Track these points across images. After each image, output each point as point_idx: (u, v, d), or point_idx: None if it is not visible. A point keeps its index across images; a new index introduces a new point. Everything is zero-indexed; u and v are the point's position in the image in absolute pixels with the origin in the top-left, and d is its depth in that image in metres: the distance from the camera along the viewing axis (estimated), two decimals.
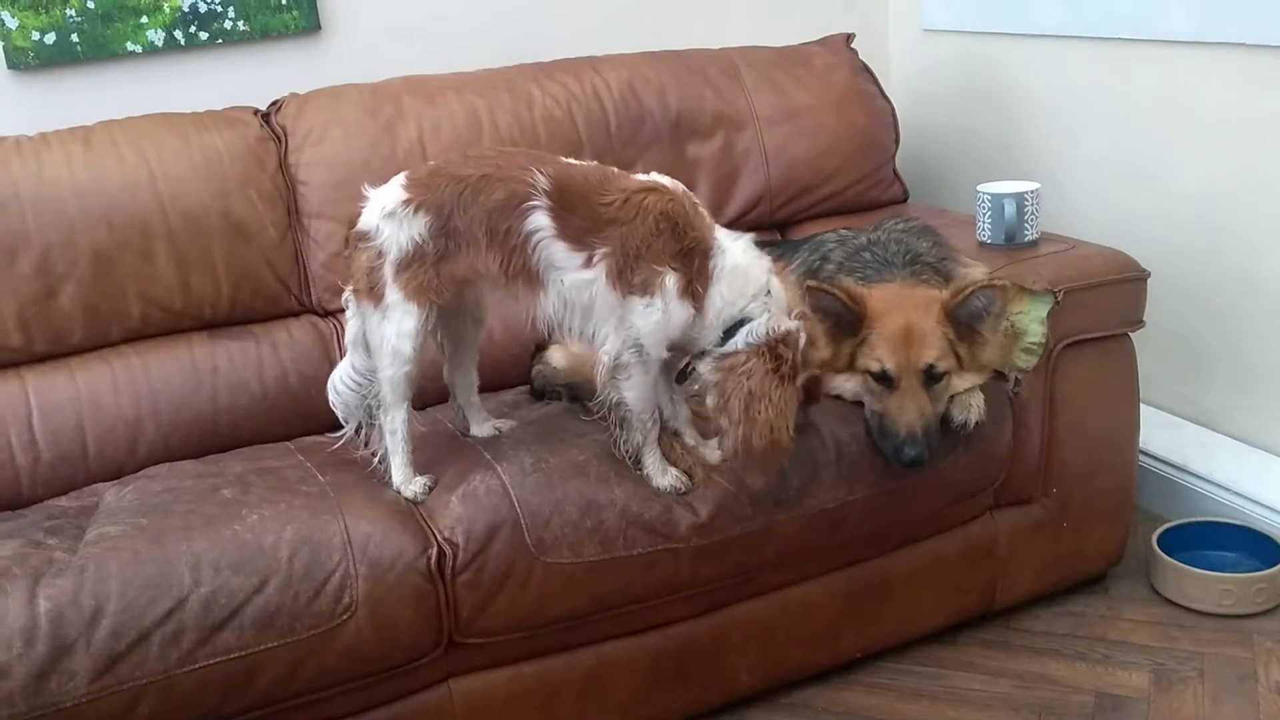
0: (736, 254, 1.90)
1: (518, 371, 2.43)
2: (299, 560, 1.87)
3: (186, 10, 2.69)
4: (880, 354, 2.09)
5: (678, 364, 2.01)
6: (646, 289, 1.86)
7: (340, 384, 2.11)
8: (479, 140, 2.57)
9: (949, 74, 3.26)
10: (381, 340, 1.98)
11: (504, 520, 1.96)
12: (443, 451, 2.14)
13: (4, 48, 2.58)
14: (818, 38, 3.00)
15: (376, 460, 2.09)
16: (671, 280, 1.85)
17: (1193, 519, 2.59)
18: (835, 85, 2.87)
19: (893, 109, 2.95)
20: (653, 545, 2.01)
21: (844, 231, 2.39)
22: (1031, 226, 2.48)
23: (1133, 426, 2.45)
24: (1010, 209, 2.46)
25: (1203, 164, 2.63)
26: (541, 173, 1.89)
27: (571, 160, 1.98)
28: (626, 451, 2.02)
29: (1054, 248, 2.44)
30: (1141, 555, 2.57)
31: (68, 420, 2.29)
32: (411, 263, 1.93)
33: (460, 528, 1.95)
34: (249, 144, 2.47)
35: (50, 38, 2.60)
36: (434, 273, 1.94)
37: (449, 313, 2.06)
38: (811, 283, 2.13)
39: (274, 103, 2.60)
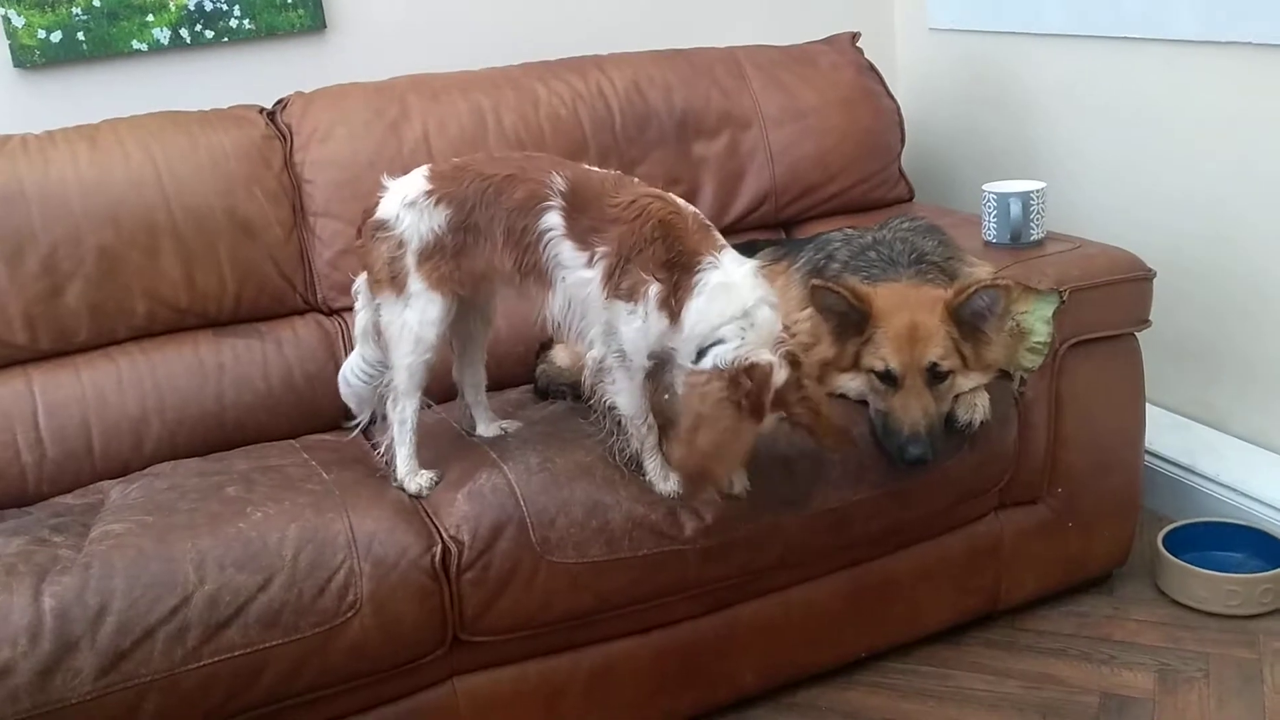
0: (731, 275, 1.84)
1: (522, 370, 2.43)
2: (303, 558, 1.87)
3: (192, 9, 2.70)
4: (885, 353, 2.09)
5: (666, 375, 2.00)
6: (632, 295, 1.86)
7: (351, 376, 2.13)
8: (484, 139, 2.57)
9: (955, 73, 3.26)
10: (403, 327, 1.99)
11: (509, 519, 1.96)
12: (448, 450, 2.14)
13: (10, 46, 2.58)
14: (823, 37, 3.00)
15: (382, 450, 2.09)
16: (654, 290, 1.85)
17: (1198, 519, 2.58)
18: (841, 84, 2.87)
19: (898, 108, 2.94)
20: (658, 546, 2.01)
21: (849, 230, 2.39)
22: (1037, 226, 2.48)
23: (1138, 426, 2.44)
24: (1016, 208, 2.45)
25: (1210, 163, 2.63)
26: (560, 175, 1.91)
27: (594, 168, 2.00)
28: (626, 458, 2.01)
29: (1060, 247, 2.44)
30: (1147, 556, 2.56)
31: (73, 418, 2.30)
32: (433, 254, 1.95)
33: (465, 526, 1.95)
34: (254, 142, 2.48)
35: (56, 36, 2.61)
36: (454, 265, 1.96)
37: (459, 312, 2.07)
38: (817, 281, 2.13)
39: (279, 101, 2.60)
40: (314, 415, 2.38)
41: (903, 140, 2.94)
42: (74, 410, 2.30)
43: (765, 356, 1.81)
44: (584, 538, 1.97)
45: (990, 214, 2.50)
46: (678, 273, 1.84)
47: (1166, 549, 2.48)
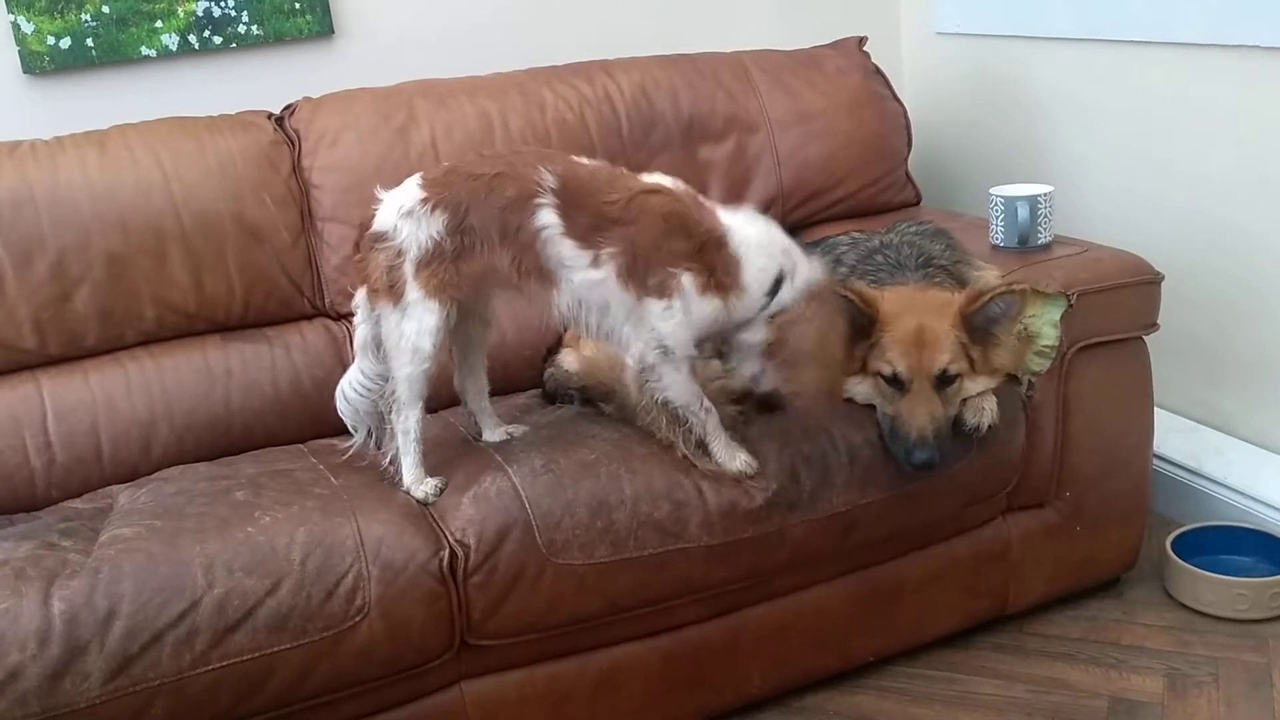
0: (745, 229, 1.93)
1: (530, 375, 2.43)
2: (312, 562, 1.87)
3: (201, 15, 2.71)
4: (892, 357, 2.09)
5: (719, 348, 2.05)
6: (663, 291, 1.88)
7: (350, 390, 2.11)
8: (491, 144, 2.57)
9: (961, 77, 3.26)
10: (400, 338, 1.99)
11: (515, 521, 1.96)
12: (454, 454, 2.15)
13: (20, 52, 2.60)
14: (830, 41, 3.00)
15: (387, 461, 2.09)
16: (688, 280, 1.87)
17: (1207, 523, 2.58)
18: (847, 88, 2.87)
19: (905, 112, 2.94)
20: (663, 545, 2.01)
21: (856, 234, 2.39)
22: (1044, 229, 2.48)
23: (1147, 430, 2.44)
24: (1023, 212, 2.45)
25: (1216, 166, 2.62)
26: (549, 170, 1.91)
27: (582, 159, 2.00)
28: (689, 448, 2.02)
29: (1067, 250, 2.44)
30: (1156, 559, 2.55)
31: (82, 422, 2.30)
32: (432, 260, 1.95)
33: (471, 529, 1.95)
34: (263, 148, 2.48)
35: (65, 42, 2.62)
36: (454, 270, 1.95)
37: (457, 319, 2.07)
38: None
39: (287, 106, 2.61)
40: (322, 420, 2.38)
41: (909, 144, 2.94)
42: (83, 415, 2.31)
43: (816, 265, 1.99)
44: (589, 539, 1.97)
45: (998, 217, 2.50)
46: (712, 251, 1.89)
47: (1175, 553, 2.47)
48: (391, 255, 1.97)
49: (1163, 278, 2.34)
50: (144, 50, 2.68)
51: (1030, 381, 2.26)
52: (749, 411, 2.12)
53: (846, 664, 2.32)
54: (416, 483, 2.04)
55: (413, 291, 1.96)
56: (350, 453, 2.15)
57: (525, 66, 2.77)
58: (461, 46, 2.91)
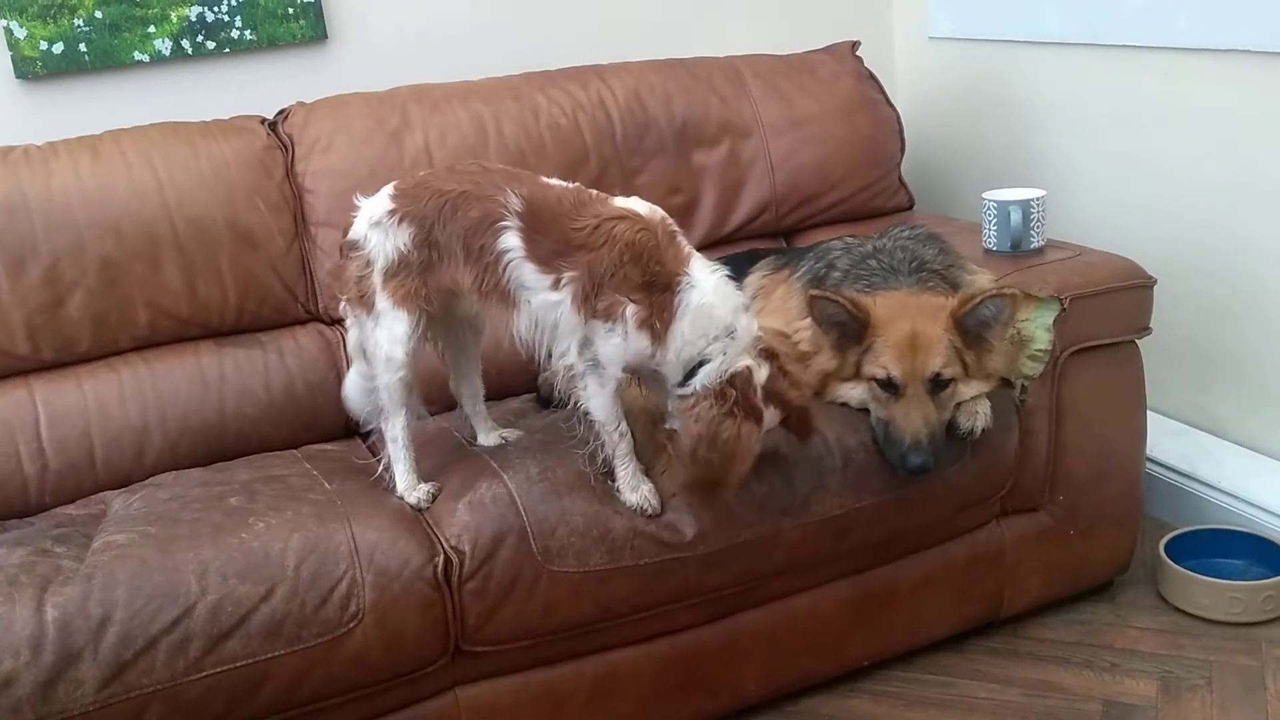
0: (706, 291, 1.86)
1: (525, 379, 2.43)
2: (306, 568, 1.87)
3: (194, 20, 2.70)
4: (885, 361, 2.09)
5: (664, 387, 1.99)
6: (609, 315, 1.86)
7: (353, 391, 2.15)
8: (485, 149, 2.58)
9: (954, 81, 3.26)
10: (376, 346, 2.00)
11: (510, 528, 1.96)
12: (449, 459, 2.15)
13: (12, 57, 2.59)
14: (823, 46, 3.01)
15: (381, 468, 2.09)
16: (631, 311, 1.85)
17: (1200, 526, 2.58)
18: (841, 93, 2.88)
19: (898, 117, 2.95)
20: (660, 554, 2.01)
21: (850, 239, 2.39)
22: (1037, 234, 2.48)
23: (1140, 433, 2.44)
24: (1016, 216, 2.46)
25: (1209, 170, 2.63)
26: (515, 194, 1.90)
27: (551, 181, 1.98)
28: (599, 464, 2.01)
29: (1060, 255, 2.44)
30: (1149, 563, 2.56)
31: (75, 428, 2.30)
32: (398, 271, 1.96)
33: (467, 535, 1.95)
34: (256, 153, 2.48)
35: (58, 47, 2.61)
36: (420, 282, 1.96)
37: (447, 324, 2.07)
38: (815, 292, 2.13)
39: (281, 111, 2.61)
40: (316, 425, 2.38)
41: (903, 149, 2.94)
42: (76, 420, 2.30)
43: (744, 361, 1.87)
44: (585, 546, 1.97)
45: (990, 222, 2.50)
46: (655, 293, 1.85)
47: (1168, 556, 2.48)
48: (362, 265, 1.99)
49: (1155, 282, 2.35)
50: (137, 55, 2.68)
51: (1024, 385, 2.27)
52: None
53: (841, 668, 2.32)
54: (409, 489, 2.04)
55: (382, 300, 1.97)
56: (372, 437, 2.19)
57: (519, 71, 2.78)
58: (455, 51, 2.91)
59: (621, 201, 1.93)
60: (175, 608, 1.80)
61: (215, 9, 2.71)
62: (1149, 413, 2.45)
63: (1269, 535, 2.51)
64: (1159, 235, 2.73)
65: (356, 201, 2.04)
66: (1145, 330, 2.36)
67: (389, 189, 2.01)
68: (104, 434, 2.31)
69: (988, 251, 2.51)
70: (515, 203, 1.89)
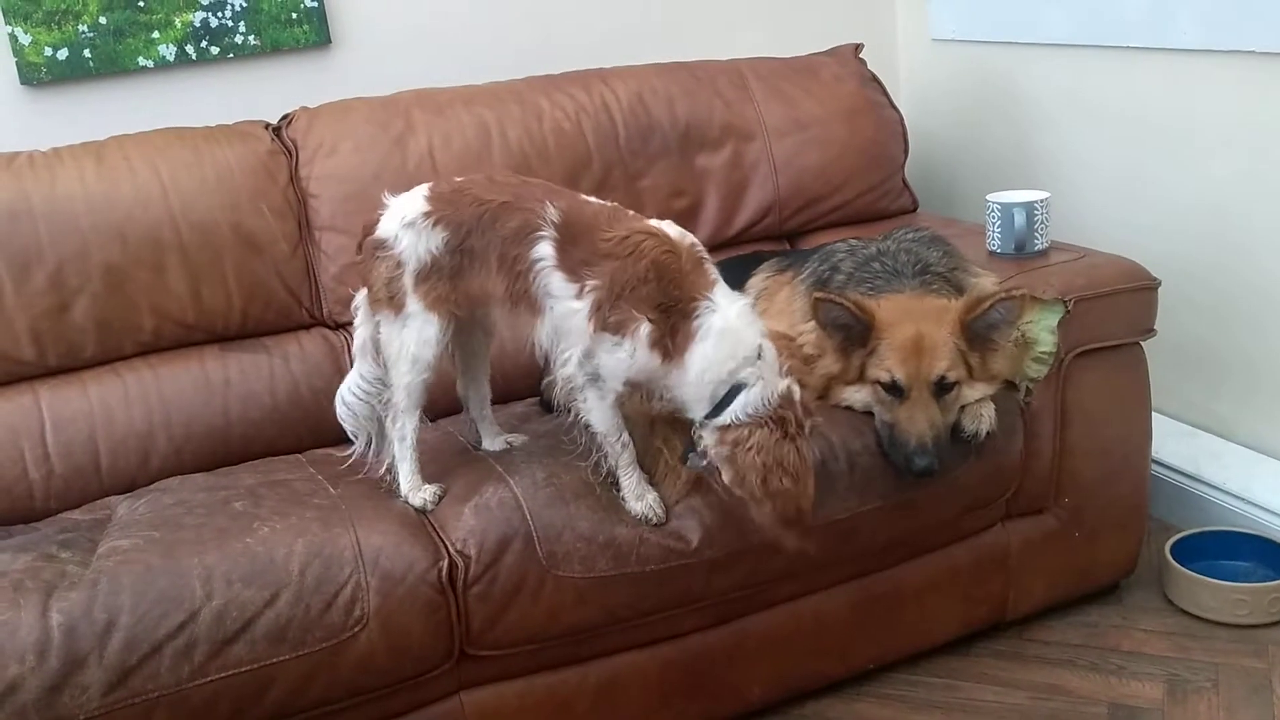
0: (729, 316, 1.85)
1: (528, 384, 2.43)
2: (310, 573, 1.87)
3: (198, 25, 2.71)
4: (890, 364, 2.09)
5: (655, 402, 1.98)
6: (620, 329, 1.86)
7: (349, 395, 2.12)
8: (489, 153, 2.58)
9: (958, 84, 3.26)
10: (401, 347, 2.00)
11: (516, 533, 1.96)
12: (454, 463, 2.15)
13: (17, 63, 2.60)
14: (826, 48, 3.01)
15: (384, 469, 2.09)
16: (645, 329, 1.84)
17: (1206, 528, 2.58)
18: (844, 96, 2.88)
19: (902, 119, 2.95)
20: (665, 560, 2.01)
21: (853, 242, 2.39)
22: (1041, 235, 2.48)
23: (1145, 435, 2.44)
24: (1020, 218, 2.46)
25: (1212, 171, 2.63)
26: (554, 205, 1.91)
27: (590, 198, 1.99)
28: (603, 475, 2.01)
29: (1064, 257, 2.44)
30: (1155, 565, 2.55)
31: (80, 433, 2.30)
32: (430, 275, 1.96)
33: (472, 540, 1.95)
34: (260, 158, 2.49)
35: (63, 53, 2.62)
36: (450, 286, 1.97)
37: (460, 327, 2.07)
38: (819, 294, 2.13)
39: (285, 116, 2.61)
40: (320, 430, 2.38)
41: (906, 151, 2.94)
42: (81, 426, 2.31)
43: (784, 383, 1.86)
44: (590, 552, 1.97)
45: (994, 224, 2.50)
46: (674, 317, 1.84)
47: (1174, 558, 2.47)
48: (392, 266, 1.98)
49: (1160, 283, 2.35)
50: (141, 61, 2.69)
51: (1028, 388, 2.26)
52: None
53: (847, 671, 2.31)
54: (414, 490, 2.04)
55: (413, 303, 1.97)
56: (350, 461, 2.15)
57: (522, 75, 2.78)
58: (459, 55, 2.91)
59: (655, 222, 1.93)
60: (180, 613, 1.80)
61: (219, 14, 2.72)
62: (1154, 415, 2.45)
63: (1275, 537, 2.50)
64: (1163, 237, 2.73)
65: (385, 199, 2.04)
66: (1150, 332, 2.36)
67: (424, 190, 2.01)
68: (109, 439, 2.31)
69: (992, 254, 2.51)
70: (553, 214, 1.90)
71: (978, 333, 2.10)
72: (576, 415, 1.97)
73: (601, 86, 2.74)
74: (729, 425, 1.84)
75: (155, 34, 2.68)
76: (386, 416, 2.07)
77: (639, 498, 2.00)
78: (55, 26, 2.60)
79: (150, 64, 2.70)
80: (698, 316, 1.84)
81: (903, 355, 2.08)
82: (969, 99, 3.23)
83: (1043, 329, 2.23)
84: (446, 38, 2.94)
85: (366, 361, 2.10)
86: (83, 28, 2.62)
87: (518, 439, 2.20)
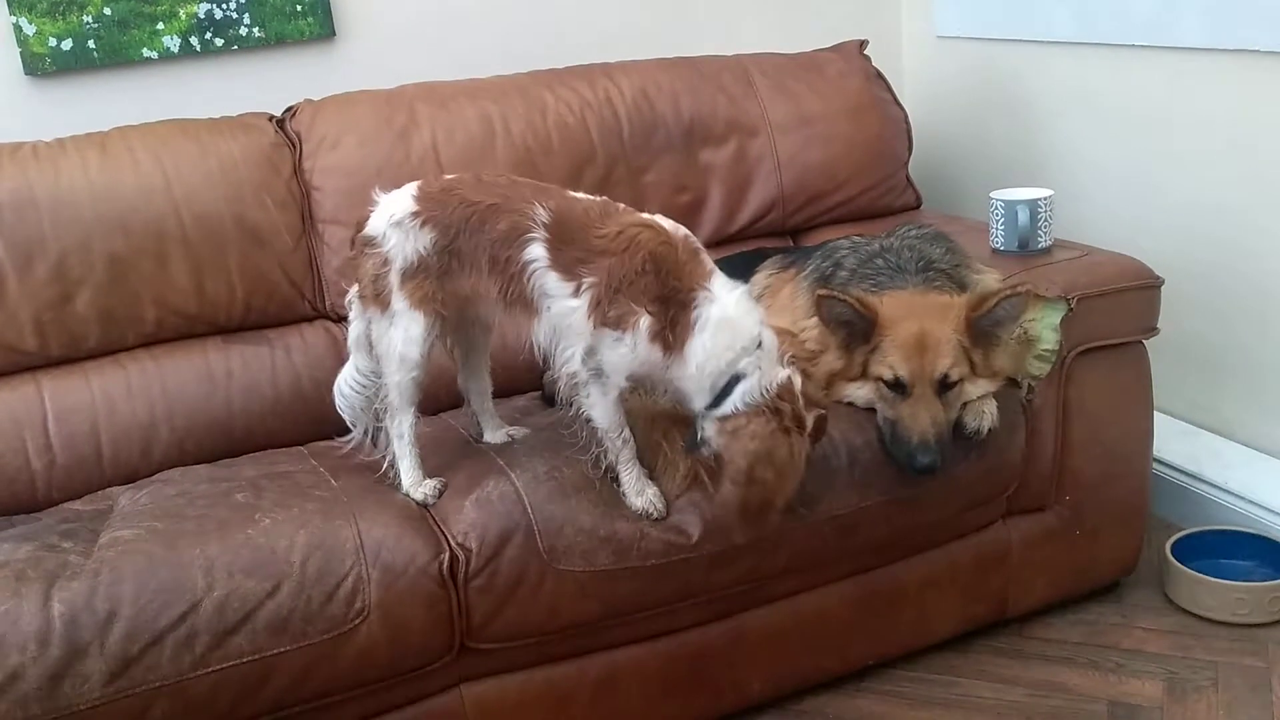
0: (727, 306, 1.85)
1: (530, 377, 2.43)
2: (312, 564, 1.87)
3: (202, 17, 2.71)
4: (893, 361, 2.09)
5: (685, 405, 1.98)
6: (620, 324, 1.86)
7: (345, 387, 2.13)
8: (492, 147, 2.58)
9: (962, 81, 3.26)
10: (389, 346, 2.00)
11: (517, 526, 1.96)
12: (456, 456, 2.15)
13: (21, 54, 2.60)
14: (831, 44, 3.00)
15: (385, 465, 2.09)
16: (645, 322, 1.84)
17: (1207, 527, 2.58)
18: (848, 92, 2.87)
19: (906, 116, 2.94)
20: (667, 555, 2.01)
21: (857, 238, 2.39)
22: (1045, 233, 2.48)
23: (1147, 434, 2.44)
24: (1024, 216, 2.45)
25: (1216, 170, 2.63)
26: (543, 206, 1.90)
27: (579, 195, 1.99)
28: (604, 469, 2.01)
29: (1068, 254, 2.44)
30: (1155, 563, 2.55)
31: (83, 424, 2.30)
32: (416, 273, 1.96)
33: (474, 533, 1.95)
34: (264, 150, 2.49)
35: (67, 44, 2.62)
36: (437, 286, 1.96)
37: (459, 321, 2.07)
38: (822, 291, 2.13)
39: (289, 109, 2.61)
40: (322, 421, 2.38)
41: (910, 148, 2.94)
42: (83, 416, 2.31)
43: (784, 373, 1.86)
44: (592, 546, 1.97)
45: (998, 221, 2.50)
46: (673, 308, 1.84)
47: (1175, 557, 2.47)
48: (379, 263, 1.98)
49: (1163, 282, 2.35)
50: (145, 52, 2.69)
51: (1030, 385, 2.26)
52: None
53: (846, 667, 2.32)
54: (415, 485, 2.05)
55: (399, 301, 1.97)
56: (348, 448, 2.15)
57: (527, 69, 2.78)
58: (463, 49, 2.91)
59: (647, 216, 1.93)
60: (182, 603, 1.80)
61: (224, 6, 2.72)
62: (1156, 413, 2.45)
63: (1276, 536, 2.50)
64: (1167, 235, 2.72)
65: (375, 196, 2.03)
66: (1153, 330, 2.36)
67: (412, 189, 2.01)
68: (111, 430, 2.31)
69: (995, 251, 2.51)
70: (542, 215, 1.90)
71: (982, 330, 2.10)
72: (578, 410, 1.97)
73: (606, 81, 2.74)
74: (729, 416, 1.84)
75: (160, 25, 2.68)
76: (384, 412, 2.08)
77: (639, 493, 2.00)
78: (60, 17, 2.60)
79: (155, 55, 2.70)
80: (696, 307, 1.84)
81: (906, 352, 2.08)
82: (973, 96, 3.23)
83: (1045, 327, 2.23)
84: (451, 31, 2.94)
85: (362, 355, 2.10)
86: (87, 18, 2.62)
87: (519, 432, 2.20)
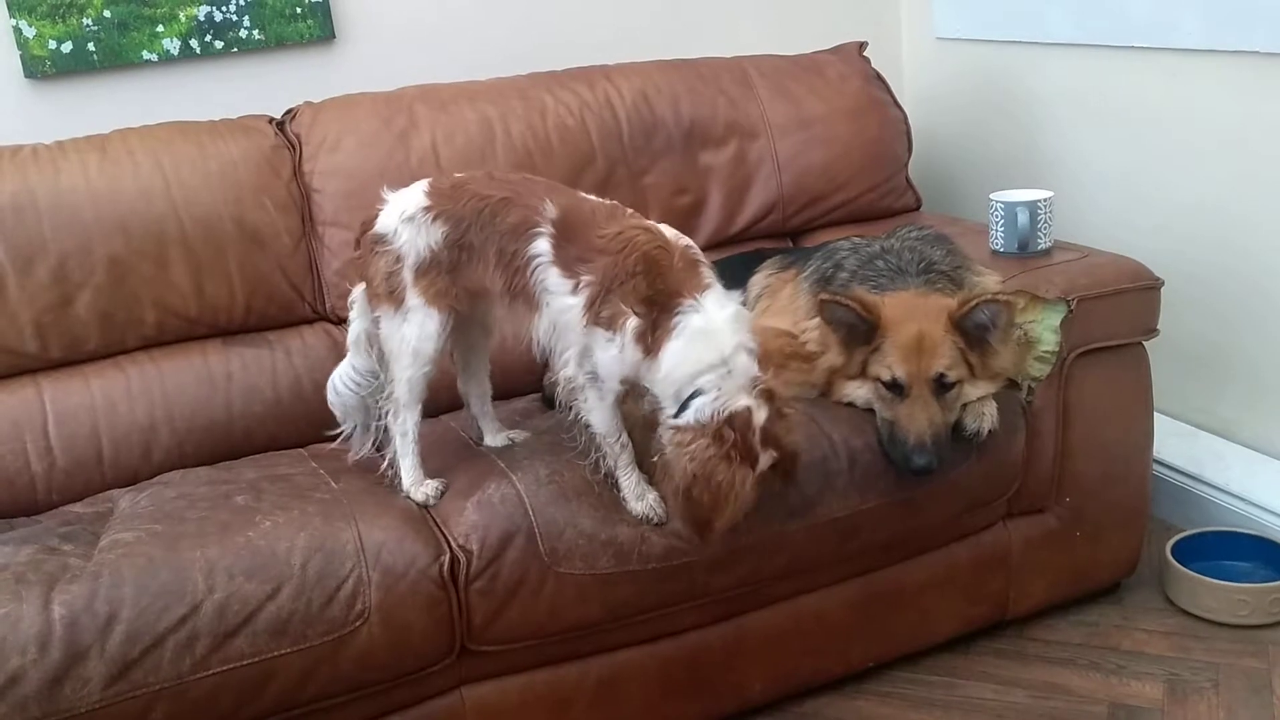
0: (711, 320, 1.82)
1: (530, 379, 2.43)
2: (312, 567, 1.87)
3: (202, 19, 2.71)
4: (891, 362, 2.09)
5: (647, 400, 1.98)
6: (611, 324, 1.85)
7: (340, 384, 2.14)
8: (492, 149, 2.58)
9: (962, 82, 3.26)
10: (401, 342, 2.00)
11: (518, 529, 1.96)
12: (455, 459, 2.15)
13: (21, 56, 2.60)
14: (830, 46, 3.00)
15: (386, 464, 2.09)
16: (631, 323, 1.84)
17: (1207, 528, 2.58)
18: (848, 94, 2.87)
19: (905, 117, 2.94)
20: (667, 558, 2.01)
21: (857, 240, 2.39)
22: (1044, 235, 2.48)
23: (1147, 435, 2.44)
24: (1023, 217, 2.45)
25: (1216, 172, 2.63)
26: (553, 202, 1.92)
27: (590, 196, 1.99)
28: (602, 474, 2.01)
29: (1067, 256, 2.44)
30: (1156, 565, 2.55)
31: (83, 426, 2.30)
32: (429, 269, 1.97)
33: (475, 535, 1.95)
34: (264, 152, 2.49)
35: (67, 46, 2.62)
36: (449, 280, 1.97)
37: (459, 324, 2.07)
38: (825, 295, 2.13)
39: (288, 111, 2.61)
40: (322, 424, 2.37)
41: (910, 149, 2.94)
42: (84, 419, 2.31)
43: (742, 402, 1.81)
44: (593, 549, 1.97)
45: (998, 223, 2.50)
46: (657, 310, 1.83)
47: (1175, 558, 2.47)
48: (391, 260, 1.99)
49: (1162, 283, 2.35)
50: (145, 55, 2.69)
51: (1030, 387, 2.26)
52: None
53: (847, 669, 2.32)
54: (416, 485, 2.05)
55: (413, 298, 1.98)
56: (339, 442, 2.16)
57: (526, 72, 2.78)
58: (463, 51, 2.91)
59: (651, 223, 1.93)
60: (182, 606, 1.80)
61: (223, 8, 2.72)
62: (1156, 415, 2.45)
63: (1276, 538, 2.50)
64: (1166, 237, 2.72)
65: (384, 194, 2.04)
66: (1152, 332, 2.36)
67: (424, 185, 2.02)
68: (111, 432, 2.31)
69: (995, 252, 2.51)
70: (551, 211, 1.90)
71: (968, 331, 2.10)
72: (577, 414, 1.97)
73: (605, 83, 2.74)
74: (681, 427, 1.83)
75: (159, 28, 2.68)
76: (380, 410, 2.08)
77: (639, 498, 2.00)
78: (60, 20, 2.60)
79: (154, 58, 2.70)
80: (678, 314, 1.82)
81: (904, 353, 2.08)
82: (973, 98, 3.23)
83: (1045, 328, 2.23)
84: (450, 33, 2.94)
85: (360, 355, 2.11)
86: (87, 21, 2.62)
87: (520, 435, 2.20)
